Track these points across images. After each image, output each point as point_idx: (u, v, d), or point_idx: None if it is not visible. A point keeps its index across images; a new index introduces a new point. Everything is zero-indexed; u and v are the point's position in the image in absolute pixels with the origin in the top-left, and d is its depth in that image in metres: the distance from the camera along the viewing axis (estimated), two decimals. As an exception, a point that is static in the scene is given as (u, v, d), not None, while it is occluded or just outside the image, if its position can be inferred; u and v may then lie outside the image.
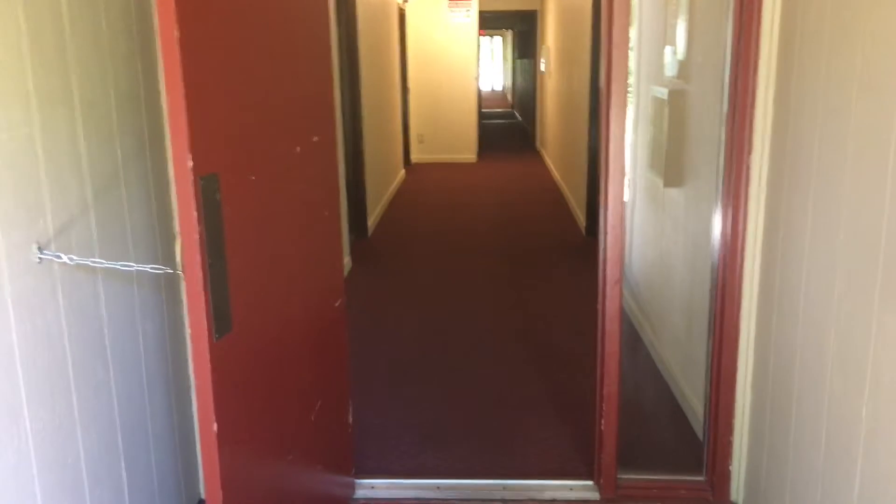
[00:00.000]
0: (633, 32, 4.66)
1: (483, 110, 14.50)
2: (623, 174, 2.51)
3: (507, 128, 17.01)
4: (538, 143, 12.92)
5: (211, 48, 1.66)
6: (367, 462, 2.89)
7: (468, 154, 11.51)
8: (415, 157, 11.32)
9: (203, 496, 2.71)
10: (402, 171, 10.16)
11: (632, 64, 4.68)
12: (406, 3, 10.35)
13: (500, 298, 5.06)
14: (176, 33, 1.54)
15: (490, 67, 27.18)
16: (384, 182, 8.22)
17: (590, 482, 2.76)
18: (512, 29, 19.32)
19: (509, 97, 22.76)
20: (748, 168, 2.44)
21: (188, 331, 2.46)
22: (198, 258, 1.65)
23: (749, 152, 2.43)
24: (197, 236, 1.64)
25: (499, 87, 27.24)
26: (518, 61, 18.96)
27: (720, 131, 2.52)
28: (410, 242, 6.74)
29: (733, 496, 2.67)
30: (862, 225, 1.79)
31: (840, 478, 1.92)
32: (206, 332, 1.69)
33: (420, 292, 5.22)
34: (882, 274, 1.69)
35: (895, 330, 1.64)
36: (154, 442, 2.32)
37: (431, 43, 11.06)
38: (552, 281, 5.50)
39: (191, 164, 1.60)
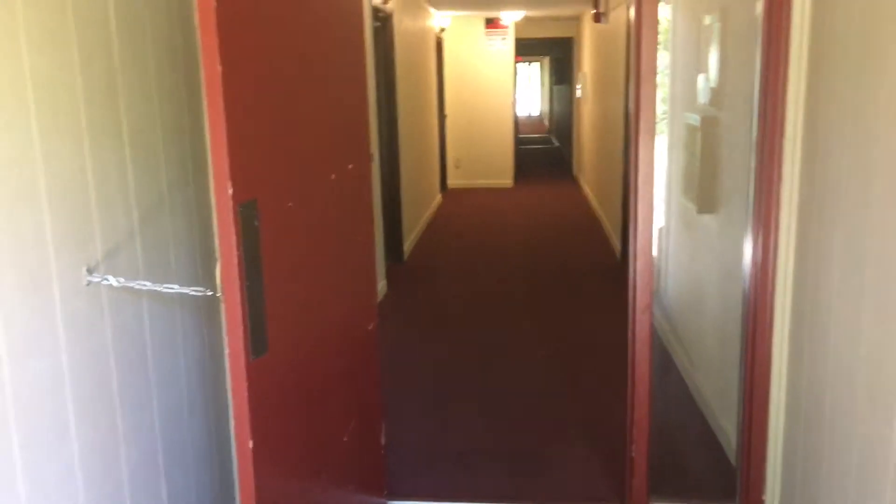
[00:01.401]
0: (667, 59, 4.70)
1: (520, 136, 14.58)
2: (652, 200, 2.54)
3: (544, 153, 17.06)
4: (575, 169, 12.94)
5: (251, 81, 1.75)
6: (400, 484, 2.93)
7: (504, 179, 11.58)
8: (451, 182, 11.41)
9: (239, 514, 2.77)
10: (439, 196, 10.26)
11: (667, 90, 4.72)
12: (443, 31, 10.51)
13: (535, 323, 5.08)
14: (219, 68, 1.62)
15: (527, 93, 27.30)
16: (420, 207, 8.32)
17: (621, 507, 2.77)
18: (548, 55, 19.43)
19: (546, 122, 22.83)
20: (778, 196, 2.45)
21: (227, 351, 2.54)
22: (236, 281, 1.72)
23: (779, 180, 2.44)
24: (236, 260, 1.71)
25: (536, 113, 27.34)
26: (555, 87, 19.04)
27: (750, 158, 2.54)
28: (446, 267, 6.80)
29: (767, 525, 2.65)
30: (889, 254, 1.80)
31: (871, 506, 1.91)
32: (243, 352, 1.76)
33: (454, 317, 5.27)
34: (909, 301, 1.69)
35: (923, 357, 1.64)
36: (193, 461, 2.40)
37: (468, 69, 11.20)
38: (586, 306, 5.50)
39: (231, 191, 1.68)
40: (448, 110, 11.03)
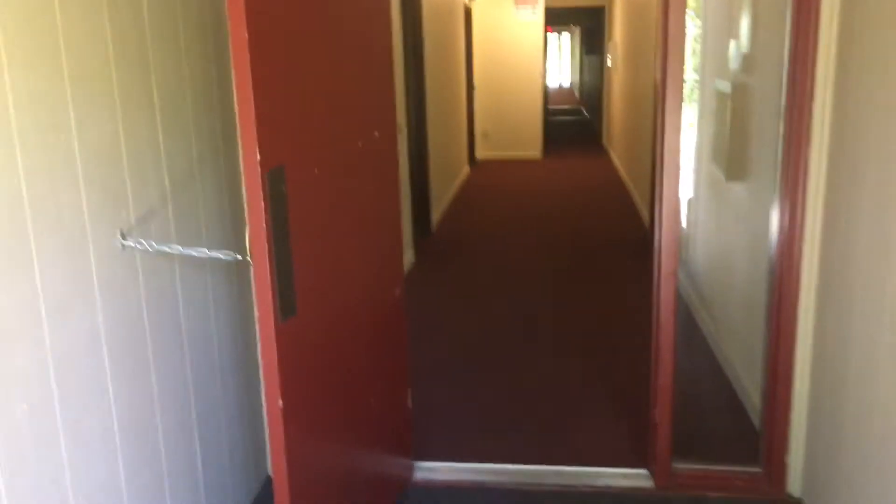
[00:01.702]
0: (699, 25, 4.64)
1: (550, 107, 14.46)
2: (678, 167, 2.53)
3: (574, 124, 16.91)
4: (605, 140, 12.83)
5: (278, 49, 1.78)
6: (427, 447, 2.99)
7: (533, 151, 11.53)
8: (480, 153, 11.39)
9: (270, 474, 2.86)
10: (467, 168, 10.25)
11: (697, 58, 4.66)
12: (473, 1, 10.43)
13: (562, 293, 5.10)
14: (245, 35, 1.65)
15: (557, 64, 27.01)
16: (448, 179, 8.33)
17: (644, 470, 2.80)
18: (579, 25, 19.18)
19: (577, 94, 22.60)
20: (806, 162, 2.43)
21: (256, 314, 2.60)
22: (264, 245, 1.77)
23: (807, 146, 2.42)
24: (264, 225, 1.76)
25: (566, 84, 27.05)
26: (585, 57, 18.81)
27: (779, 125, 2.52)
28: (474, 238, 6.82)
29: (790, 488, 2.66)
30: (915, 215, 1.79)
31: (893, 470, 1.92)
32: (272, 315, 1.81)
33: (482, 287, 5.30)
34: (934, 263, 1.69)
35: (946, 319, 1.64)
36: (225, 421, 2.47)
37: (497, 40, 11.11)
38: (614, 275, 5.50)
39: (258, 157, 1.71)
40: (477, 81, 10.97)
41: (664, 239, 2.55)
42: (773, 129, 2.73)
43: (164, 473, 2.08)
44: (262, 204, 1.75)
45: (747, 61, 3.49)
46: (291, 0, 1.86)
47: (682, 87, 2.47)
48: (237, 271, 2.56)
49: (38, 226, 1.56)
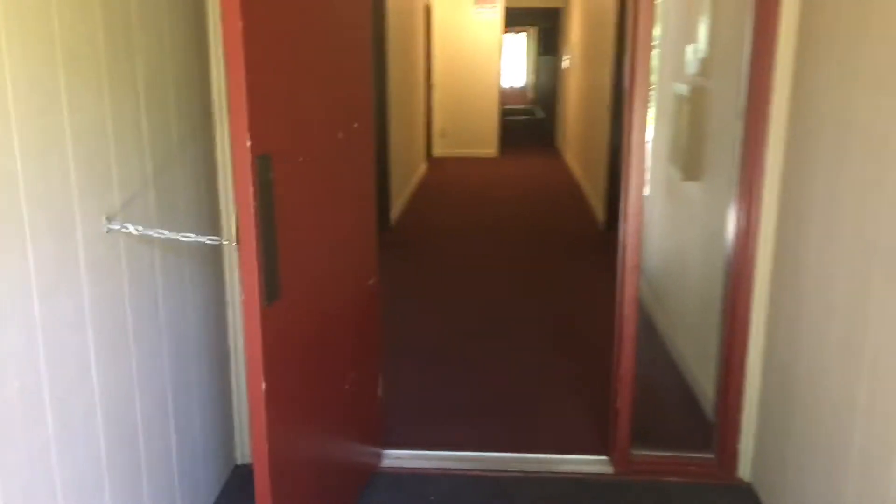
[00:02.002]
0: (657, 31, 4.78)
1: (504, 107, 14.60)
2: (644, 165, 2.65)
3: (528, 124, 17.12)
4: (559, 140, 13.03)
5: (269, 39, 1.82)
6: (394, 436, 3.05)
7: (489, 149, 11.65)
8: (437, 151, 11.47)
9: (238, 462, 2.89)
10: (425, 165, 10.31)
11: (655, 61, 4.81)
12: (433, 0, 10.49)
13: (521, 288, 5.20)
14: (240, 24, 1.69)
15: (512, 64, 27.20)
16: (407, 175, 8.38)
17: (604, 457, 2.91)
18: (536, 26, 19.38)
19: (530, 94, 22.83)
20: (763, 163, 2.56)
21: (231, 300, 2.63)
22: (252, 230, 1.81)
23: (765, 148, 2.55)
24: (252, 210, 1.80)
25: (519, 84, 27.28)
26: (541, 58, 19.03)
27: (738, 126, 2.65)
28: (433, 233, 6.89)
29: (741, 473, 2.80)
30: (866, 215, 1.92)
31: (839, 455, 2.05)
32: (258, 298, 1.85)
33: (443, 282, 5.38)
34: (882, 257, 1.82)
35: (893, 309, 1.77)
36: (198, 408, 2.49)
37: (456, 39, 11.20)
38: (571, 273, 5.63)
39: (249, 144, 1.76)
40: (435, 80, 11.05)
41: (629, 233, 2.66)
42: (729, 130, 2.87)
43: (141, 457, 2.10)
44: (251, 190, 1.79)
45: (704, 65, 3.63)
46: (281, -9, 1.91)
47: (647, 89, 2.58)
48: (212, 258, 2.58)
49: (31, 206, 1.58)
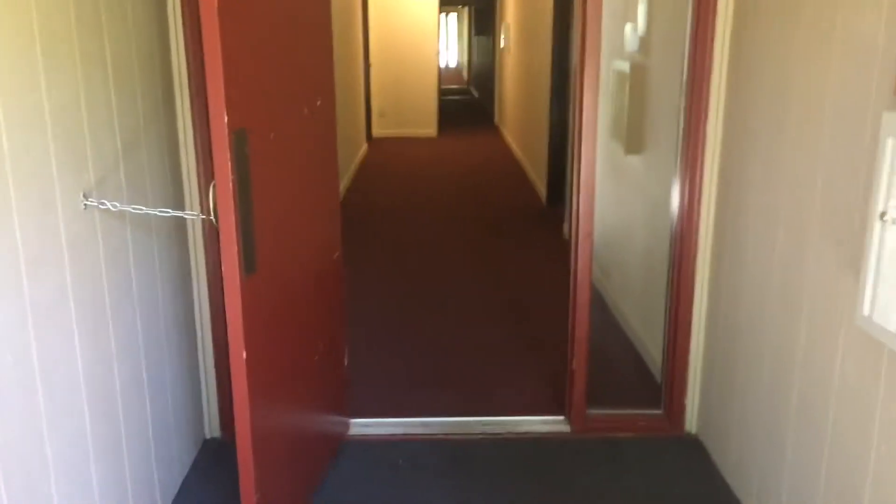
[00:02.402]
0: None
1: (441, 87, 14.66)
2: (595, 139, 2.78)
3: (465, 104, 17.22)
4: (497, 119, 13.18)
5: (241, 18, 1.87)
6: (360, 405, 3.13)
7: (429, 129, 11.72)
8: (376, 131, 11.48)
9: (207, 436, 2.93)
10: (365, 146, 10.33)
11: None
12: (367, -21, 10.46)
13: (469, 262, 5.33)
14: (215, 3, 1.74)
15: (447, 44, 27.21)
16: (348, 155, 8.40)
17: (561, 417, 3.06)
18: (470, 5, 19.45)
19: (465, 74, 22.93)
20: (705, 133, 2.73)
21: (196, 277, 2.66)
22: (231, 203, 1.87)
23: (706, 121, 2.72)
24: (230, 185, 1.86)
25: (453, 64, 27.33)
26: (475, 38, 19.11)
27: (680, 100, 2.81)
28: (377, 213, 6.95)
29: (688, 426, 3.00)
30: (801, 177, 2.10)
31: (779, 403, 2.24)
32: (237, 270, 1.92)
33: (391, 258, 5.46)
34: (818, 219, 2.00)
35: (828, 267, 1.95)
36: (170, 383, 2.53)
37: (393, 19, 11.20)
38: (516, 246, 5.79)
39: (226, 118, 1.81)
40: (373, 60, 11.03)
41: (582, 203, 2.80)
42: (669, 105, 3.03)
43: (121, 430, 2.14)
44: (229, 164, 1.85)
45: (644, 43, 3.79)
46: (251, -30, 1.95)
47: (598, 66, 2.71)
48: (177, 235, 2.61)
49: (17, 183, 1.61)
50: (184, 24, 2.54)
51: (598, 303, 4.43)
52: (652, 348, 3.46)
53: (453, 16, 26.26)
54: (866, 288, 1.66)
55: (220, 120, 1.81)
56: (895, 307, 1.57)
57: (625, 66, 4.04)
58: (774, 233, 2.28)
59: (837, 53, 1.91)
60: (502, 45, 12.18)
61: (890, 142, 1.58)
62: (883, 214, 1.60)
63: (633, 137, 3.95)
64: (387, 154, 10.22)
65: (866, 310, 1.67)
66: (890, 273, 1.59)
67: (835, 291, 1.91)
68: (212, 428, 2.93)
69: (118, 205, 1.95)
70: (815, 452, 2.03)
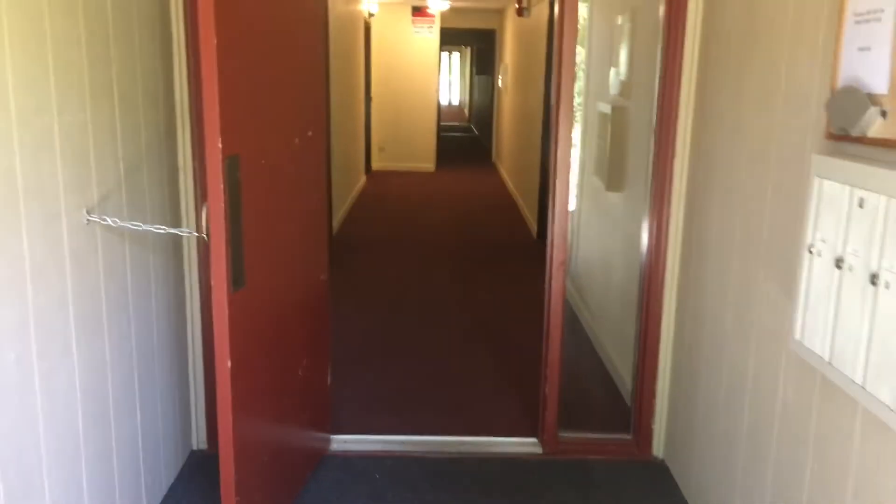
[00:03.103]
0: (583, 55, 5.17)
1: (441, 123, 14.97)
2: (569, 175, 2.96)
3: (464, 140, 17.52)
4: (494, 156, 13.43)
5: (237, 53, 2.06)
6: (342, 423, 3.27)
7: (427, 163, 11.96)
8: (375, 164, 11.71)
9: (194, 448, 3.06)
10: (364, 178, 10.54)
11: (582, 83, 5.19)
12: (372, 17, 10.77)
13: (457, 292, 5.49)
14: (214, 40, 1.93)
15: (448, 82, 27.68)
16: (347, 186, 8.60)
17: (534, 439, 3.19)
18: (471, 46, 19.87)
19: (466, 112, 23.32)
20: (671, 171, 2.90)
21: (189, 294, 2.81)
22: (222, 222, 2.03)
23: (672, 157, 2.90)
24: (222, 205, 2.03)
25: (455, 102, 27.77)
26: (476, 77, 19.50)
27: (650, 140, 2.99)
28: (373, 243, 7.13)
29: (655, 451, 3.12)
30: (750, 215, 2.27)
31: (732, 426, 2.39)
32: (225, 285, 2.07)
33: (382, 287, 5.62)
34: (765, 250, 2.16)
35: (772, 295, 2.11)
36: (160, 393, 2.67)
37: (395, 56, 11.51)
38: (504, 277, 5.95)
39: (220, 145, 1.98)
40: (374, 94, 11.31)
41: (556, 234, 2.97)
42: (645, 145, 3.21)
43: (112, 434, 2.27)
44: (221, 186, 2.02)
45: (625, 87, 4.00)
46: (250, 11, 2.14)
47: (572, 106, 2.90)
48: (173, 253, 2.77)
49: (27, 198, 1.77)
50: (187, 58, 2.73)
51: (577, 329, 4.58)
52: (625, 374, 3.59)
53: (456, 55, 26.77)
54: (797, 314, 1.82)
55: (215, 146, 1.99)
56: (821, 332, 1.73)
57: (607, 107, 4.24)
58: (728, 264, 2.44)
59: (781, 101, 2.09)
60: (500, 84, 12.47)
61: (817, 181, 1.75)
62: (811, 247, 1.76)
63: (613, 175, 4.14)
64: (385, 186, 10.43)
65: (798, 334, 1.83)
66: (816, 301, 1.74)
67: (779, 318, 2.07)
68: (199, 440, 3.06)
69: (118, 221, 2.11)
70: (761, 474, 2.17)
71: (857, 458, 1.67)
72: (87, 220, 2.07)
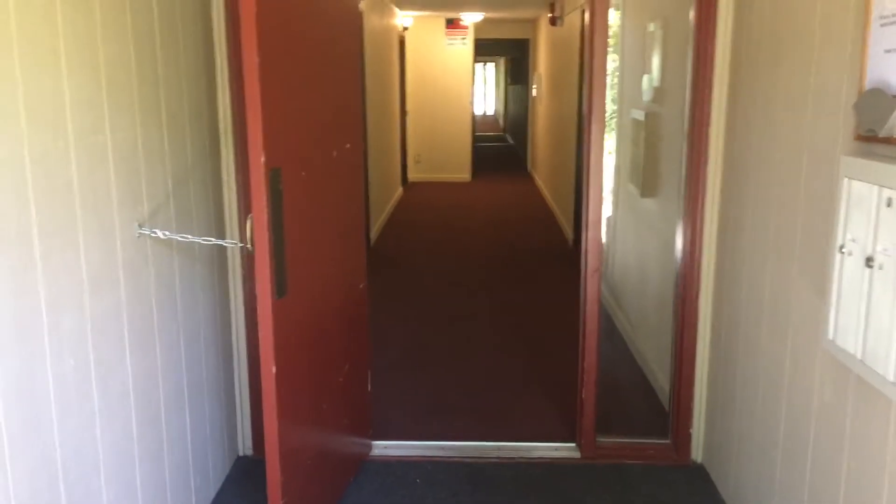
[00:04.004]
0: (616, 61, 5.20)
1: (476, 134, 15.07)
2: (601, 181, 2.99)
3: (500, 150, 17.57)
4: (529, 166, 13.46)
5: (278, 71, 2.15)
6: (382, 428, 3.33)
7: (463, 174, 12.04)
8: (412, 176, 11.83)
9: (240, 454, 3.15)
10: (400, 189, 10.66)
11: (615, 90, 5.22)
12: (406, 30, 10.91)
13: (495, 299, 5.54)
14: (256, 59, 2.02)
15: (482, 93, 27.80)
16: (384, 198, 8.71)
17: (572, 444, 3.22)
18: (505, 56, 19.96)
19: (501, 122, 23.38)
20: (705, 176, 2.93)
21: (234, 302, 2.91)
22: (265, 233, 2.12)
23: (706, 165, 2.92)
24: (265, 216, 2.11)
25: (490, 112, 27.86)
26: (510, 87, 19.56)
27: (682, 147, 3.02)
28: (410, 252, 7.22)
29: (693, 455, 3.13)
30: (784, 215, 2.28)
31: (771, 429, 2.40)
32: (269, 294, 2.16)
33: (421, 294, 5.69)
34: (799, 252, 2.18)
35: (806, 296, 2.12)
36: (207, 399, 2.77)
37: (429, 68, 11.63)
38: (541, 283, 5.99)
39: (263, 159, 2.07)
40: (409, 107, 11.43)
41: (590, 241, 3.01)
42: (678, 151, 3.24)
43: (163, 437, 2.37)
44: (265, 198, 2.10)
45: (658, 93, 4.02)
46: (288, 31, 2.24)
47: (604, 114, 2.94)
48: (219, 263, 2.87)
49: (85, 213, 1.88)
50: (230, 76, 2.84)
51: (614, 334, 4.59)
52: (662, 378, 3.61)
53: (490, 66, 26.88)
54: (830, 314, 1.84)
55: (258, 160, 2.08)
56: (853, 331, 1.74)
57: (641, 114, 4.27)
58: (763, 267, 2.45)
59: (811, 104, 2.11)
60: (534, 93, 12.51)
61: (847, 182, 1.77)
62: (842, 247, 1.78)
63: (647, 181, 4.16)
64: (421, 197, 10.54)
65: (830, 334, 1.84)
66: (847, 300, 1.76)
67: (813, 319, 2.08)
68: (245, 446, 3.15)
69: (168, 233, 2.21)
70: (799, 473, 2.18)
71: (892, 456, 1.68)
72: (139, 233, 2.18)
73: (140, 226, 2.18)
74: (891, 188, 1.58)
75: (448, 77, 11.69)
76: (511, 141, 18.83)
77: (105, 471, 1.99)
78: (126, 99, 2.11)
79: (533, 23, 12.72)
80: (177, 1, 2.47)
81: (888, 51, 1.65)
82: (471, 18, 11.10)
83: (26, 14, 1.65)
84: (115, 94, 2.03)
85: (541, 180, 11.28)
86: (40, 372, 1.71)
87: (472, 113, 12.24)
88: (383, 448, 3.20)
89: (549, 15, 8.85)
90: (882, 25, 1.67)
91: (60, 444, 1.78)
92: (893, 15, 1.63)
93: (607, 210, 5.34)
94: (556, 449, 3.21)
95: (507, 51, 18.27)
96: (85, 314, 1.89)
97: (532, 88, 13.04)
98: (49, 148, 1.74)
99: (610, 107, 5.51)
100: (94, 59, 1.93)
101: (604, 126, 2.95)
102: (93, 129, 1.93)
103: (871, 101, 1.69)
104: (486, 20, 11.53)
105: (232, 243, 2.26)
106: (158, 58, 2.32)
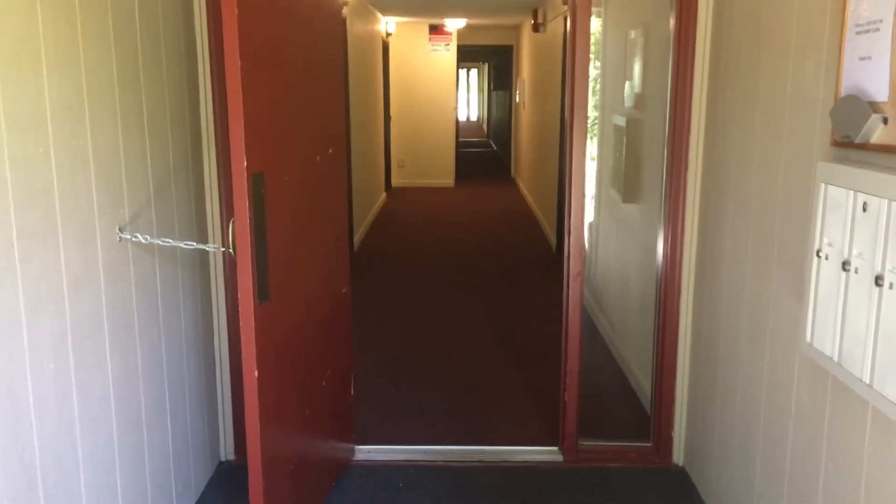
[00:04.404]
0: (598, 68, 5.23)
1: (460, 139, 15.10)
2: (584, 187, 3.01)
3: (483, 156, 17.62)
4: (513, 171, 13.51)
5: (261, 75, 2.15)
6: (365, 434, 3.33)
7: (446, 179, 12.06)
8: (395, 181, 11.83)
9: (222, 459, 3.14)
10: (384, 195, 10.66)
11: (598, 97, 5.26)
12: (390, 36, 10.92)
13: (478, 305, 5.55)
14: (238, 63, 2.02)
15: (466, 99, 27.88)
16: (367, 203, 8.71)
17: (555, 447, 3.23)
18: (488, 62, 20.03)
19: (484, 127, 23.45)
20: (685, 181, 2.96)
21: (216, 306, 2.90)
22: (248, 238, 2.12)
23: (686, 168, 2.95)
24: (248, 221, 2.11)
25: (474, 118, 27.94)
26: (494, 93, 19.63)
27: (664, 151, 3.04)
28: (393, 258, 7.21)
29: (675, 458, 3.15)
30: (763, 220, 2.31)
31: (751, 431, 2.42)
32: (251, 298, 2.15)
33: (404, 300, 5.69)
34: (777, 256, 2.21)
35: (784, 300, 2.15)
36: (189, 403, 2.76)
37: (413, 73, 11.65)
38: (524, 289, 6.01)
39: (245, 163, 2.07)
40: (393, 112, 11.45)
41: (572, 246, 3.02)
42: (659, 157, 3.27)
43: (144, 442, 2.36)
44: (247, 203, 2.10)
45: (639, 99, 4.06)
46: (271, 35, 2.24)
47: (586, 120, 2.96)
48: (200, 268, 2.86)
49: (64, 218, 1.87)
50: (212, 81, 2.84)
51: (596, 338, 4.62)
52: (644, 382, 3.63)
53: (474, 71, 26.96)
54: (808, 317, 1.86)
55: (240, 164, 2.07)
56: (830, 333, 1.77)
57: (622, 120, 4.30)
58: (742, 271, 2.48)
59: (788, 110, 2.14)
60: (517, 99, 12.57)
61: (823, 187, 1.80)
62: (818, 251, 1.81)
63: (629, 187, 4.19)
64: (405, 202, 10.54)
65: (808, 336, 1.87)
66: (825, 303, 1.79)
67: (792, 322, 2.11)
68: (227, 451, 3.14)
69: (149, 237, 2.20)
70: (778, 475, 2.20)
71: (868, 457, 1.70)
72: (120, 237, 2.17)
73: (121, 230, 2.18)
74: (866, 193, 1.61)
75: (431, 83, 11.72)
76: (494, 146, 18.89)
77: (85, 476, 1.98)
78: (108, 103, 2.11)
79: (516, 29, 12.78)
80: (159, 6, 2.47)
81: (863, 58, 1.68)
82: (454, 24, 11.13)
83: (7, 18, 1.64)
84: (96, 99, 2.03)
85: (524, 186, 11.32)
86: (19, 376, 1.70)
87: (456, 118, 12.28)
88: (366, 453, 3.20)
89: (532, 22, 8.90)
90: (857, 33, 1.70)
91: (39, 448, 1.77)
92: (868, 23, 1.66)
93: (590, 215, 5.37)
94: (539, 453, 3.22)
95: (490, 57, 18.35)
96: (65, 318, 1.88)
97: (515, 94, 13.10)
98: (29, 151, 1.73)
99: (592, 113, 5.56)
100: (75, 63, 1.92)
101: (586, 133, 2.97)
102: (74, 133, 1.92)
103: (847, 108, 1.72)
104: (469, 26, 11.57)
105: (214, 248, 2.26)
106: (140, 62, 2.31)
